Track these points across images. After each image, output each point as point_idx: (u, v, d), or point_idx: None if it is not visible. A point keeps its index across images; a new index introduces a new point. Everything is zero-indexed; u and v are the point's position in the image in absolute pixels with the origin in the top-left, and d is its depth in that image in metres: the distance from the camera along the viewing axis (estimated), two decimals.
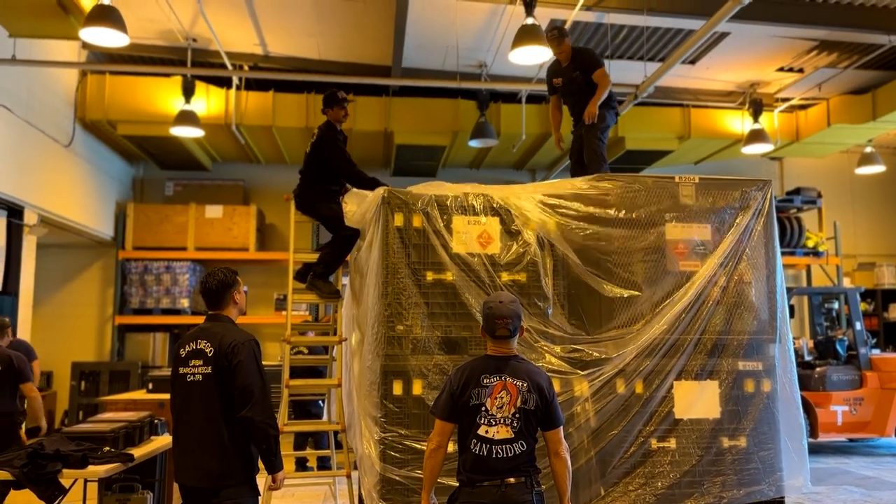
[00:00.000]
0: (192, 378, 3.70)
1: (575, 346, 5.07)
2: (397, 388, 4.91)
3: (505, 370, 3.41)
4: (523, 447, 3.34)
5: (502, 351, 3.49)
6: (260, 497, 3.88)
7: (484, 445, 3.32)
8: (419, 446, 4.79)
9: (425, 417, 4.88)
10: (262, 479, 3.91)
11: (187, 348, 3.78)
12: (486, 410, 3.35)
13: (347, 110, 6.15)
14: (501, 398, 3.35)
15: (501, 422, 3.33)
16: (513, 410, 3.34)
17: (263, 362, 3.89)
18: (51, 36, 8.77)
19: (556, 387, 5.02)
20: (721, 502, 5.02)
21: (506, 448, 3.32)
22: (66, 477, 4.62)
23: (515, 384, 3.38)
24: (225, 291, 3.89)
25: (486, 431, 3.33)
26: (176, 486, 6.52)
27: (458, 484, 3.43)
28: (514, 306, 3.49)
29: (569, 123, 7.06)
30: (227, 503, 3.61)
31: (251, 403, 3.58)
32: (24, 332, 9.06)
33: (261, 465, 3.80)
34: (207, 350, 3.69)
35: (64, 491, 4.66)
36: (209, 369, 3.66)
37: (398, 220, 5.10)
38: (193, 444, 3.65)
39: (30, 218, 9.17)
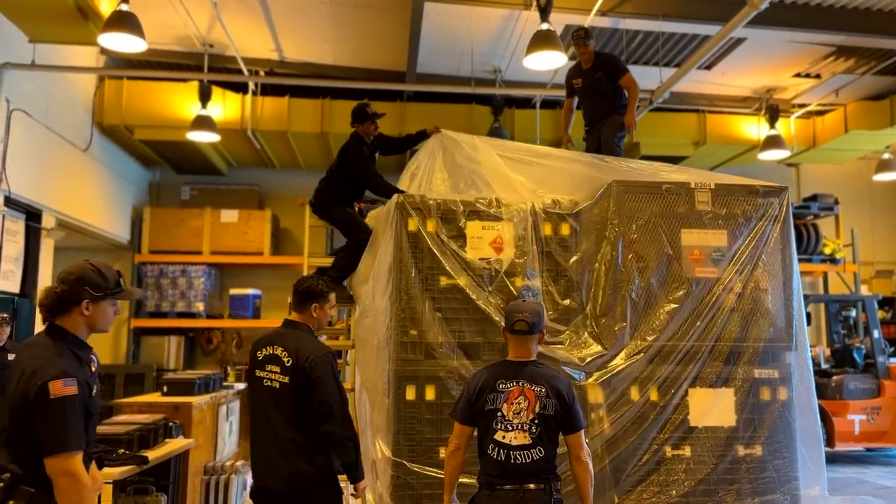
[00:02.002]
0: (268, 383, 3.69)
1: (588, 353, 5.05)
2: (410, 393, 4.91)
3: (522, 375, 3.41)
4: (541, 453, 3.32)
5: (521, 355, 3.50)
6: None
7: (502, 451, 3.32)
8: (432, 451, 4.79)
9: (438, 422, 4.88)
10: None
11: (264, 352, 3.76)
12: (503, 416, 3.36)
13: (377, 124, 6.11)
14: (519, 404, 3.35)
15: (518, 427, 3.33)
16: (531, 416, 3.33)
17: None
18: (70, 41, 8.86)
19: None
20: None
21: (524, 453, 3.30)
22: None
23: (533, 389, 3.37)
24: (307, 300, 3.86)
25: (503, 437, 3.33)
26: (191, 486, 6.56)
27: (477, 485, 3.47)
28: (535, 306, 3.58)
29: (578, 126, 7.08)
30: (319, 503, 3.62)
31: (330, 418, 3.57)
32: None
33: None
34: (285, 359, 3.67)
35: None
36: (286, 379, 3.64)
37: (412, 225, 5.11)
38: (277, 448, 3.63)
39: (47, 221, 9.26)
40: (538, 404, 3.34)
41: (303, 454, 3.60)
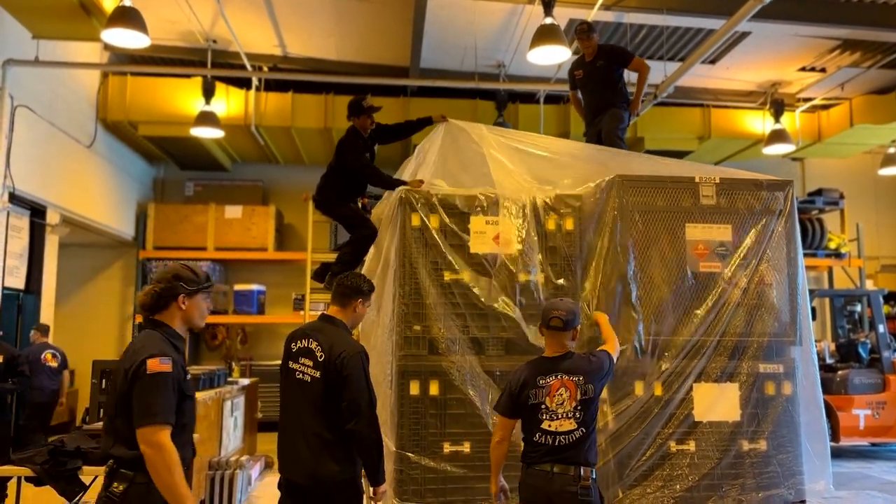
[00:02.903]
0: (300, 376, 3.67)
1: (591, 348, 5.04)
2: (414, 388, 4.91)
3: (560, 369, 3.69)
4: (583, 432, 3.62)
5: (557, 350, 3.76)
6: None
7: (548, 437, 3.62)
8: (435, 446, 4.79)
9: (442, 417, 4.88)
10: None
11: (298, 344, 3.75)
12: (547, 408, 3.64)
13: (373, 118, 6.08)
14: (561, 395, 3.64)
15: (563, 416, 3.62)
16: (574, 404, 3.63)
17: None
18: (73, 37, 8.88)
19: None
20: (731, 499, 4.97)
21: (569, 437, 3.60)
22: (87, 474, 4.66)
23: (573, 380, 3.66)
24: (354, 296, 3.84)
25: (549, 426, 3.62)
26: (196, 482, 6.58)
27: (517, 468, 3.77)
28: (571, 305, 3.83)
29: (579, 123, 7.07)
30: (338, 501, 3.60)
31: (358, 416, 3.54)
32: None
33: None
34: (318, 353, 3.65)
35: (84, 488, 4.70)
36: (318, 374, 3.62)
37: (415, 220, 5.10)
38: (304, 443, 3.61)
39: (52, 218, 9.28)
40: (579, 392, 3.64)
41: (329, 451, 3.57)
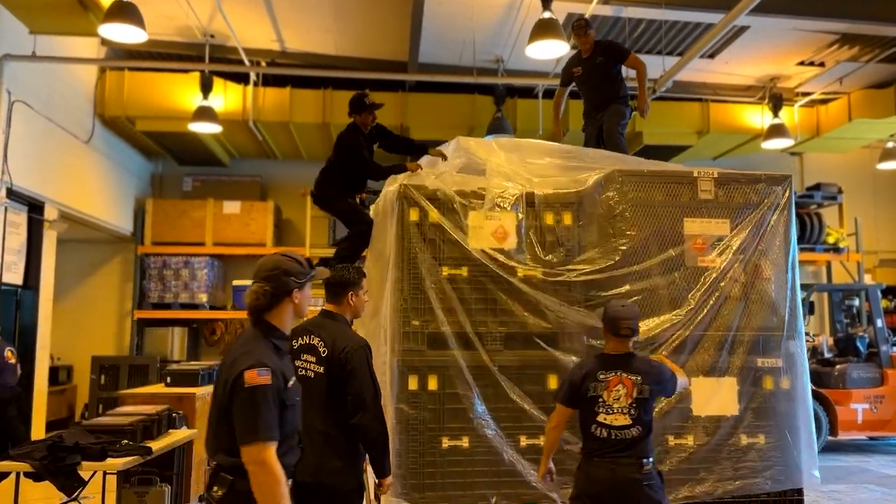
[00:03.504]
0: (303, 372, 3.65)
1: (591, 343, 5.05)
2: (413, 384, 4.91)
3: (620, 366, 3.95)
4: (639, 431, 3.86)
5: (619, 349, 4.02)
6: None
7: (604, 429, 3.87)
8: (434, 441, 4.79)
9: (441, 413, 4.88)
10: None
11: (300, 341, 3.73)
12: (604, 401, 3.89)
13: (375, 115, 6.06)
14: (618, 391, 3.89)
15: (619, 411, 3.87)
16: (630, 401, 3.87)
17: None
18: (70, 32, 8.85)
19: None
20: (715, 491, 4.99)
21: (623, 432, 3.84)
22: (85, 469, 4.67)
23: (631, 378, 3.91)
24: (343, 288, 3.83)
25: (605, 419, 3.87)
26: (195, 477, 6.59)
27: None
28: (635, 310, 4.13)
29: (577, 117, 7.06)
30: (341, 499, 3.60)
31: (363, 410, 3.55)
32: (44, 326, 9.16)
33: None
34: (321, 349, 3.65)
35: (83, 483, 4.71)
36: (321, 369, 3.62)
37: (413, 214, 5.09)
38: (307, 440, 3.57)
39: (50, 213, 9.27)
40: (635, 390, 3.87)
41: (332, 447, 3.57)
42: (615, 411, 3.86)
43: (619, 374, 3.91)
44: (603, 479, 3.81)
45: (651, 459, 3.88)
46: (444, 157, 5.70)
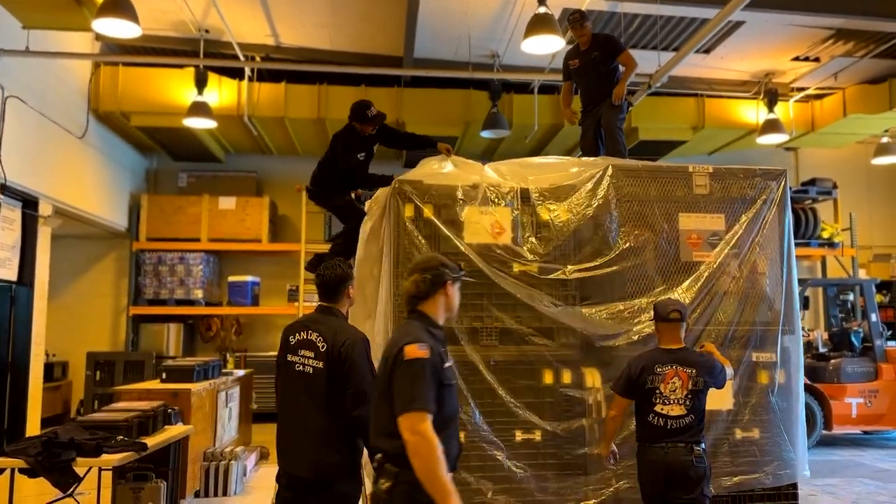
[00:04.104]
0: (301, 368, 3.65)
1: (587, 339, 5.06)
2: None
3: (676, 360, 4.24)
4: (692, 419, 4.18)
5: (673, 344, 4.31)
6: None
7: (660, 419, 4.18)
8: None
9: None
10: None
11: (297, 336, 3.72)
12: (661, 392, 4.20)
13: (375, 126, 5.99)
14: (674, 383, 4.19)
15: (675, 402, 4.17)
16: (685, 392, 4.18)
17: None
18: (64, 27, 8.81)
19: (567, 378, 5.04)
20: (723, 487, 5.01)
21: (678, 421, 4.16)
22: (80, 465, 4.67)
23: (686, 371, 4.21)
24: (341, 285, 3.82)
25: (661, 409, 4.18)
26: (191, 473, 6.59)
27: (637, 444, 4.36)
28: (680, 303, 4.49)
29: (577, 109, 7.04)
30: (339, 495, 3.58)
31: (364, 403, 3.51)
32: (39, 322, 9.13)
33: None
34: (320, 344, 3.63)
35: (78, 479, 4.70)
36: (321, 364, 3.61)
37: (408, 210, 5.09)
38: (304, 436, 3.59)
39: (44, 209, 9.24)
40: (690, 382, 4.18)
41: (330, 443, 3.56)
42: (671, 402, 4.17)
43: (674, 367, 4.21)
44: (658, 463, 4.13)
45: (703, 445, 4.20)
46: (450, 152, 5.70)
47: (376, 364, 3.23)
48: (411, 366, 2.76)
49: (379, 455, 2.85)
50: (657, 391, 4.20)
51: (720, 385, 4.34)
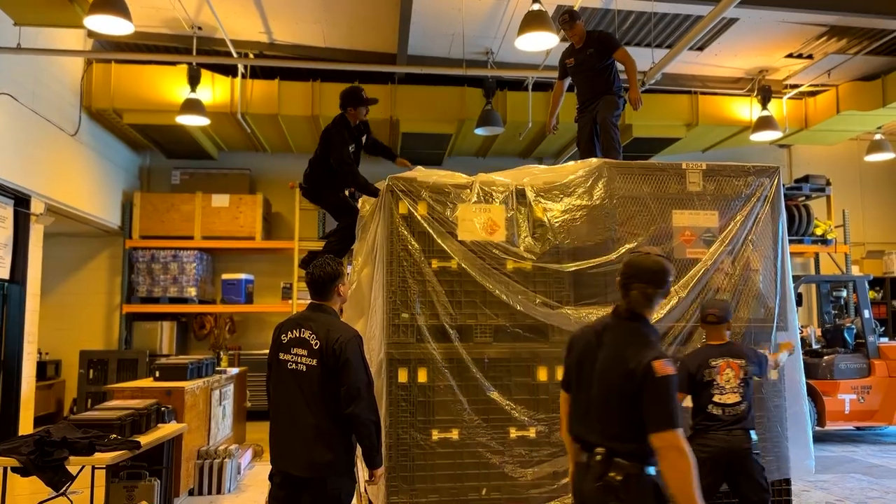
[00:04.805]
0: (293, 366, 3.64)
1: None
2: (402, 376, 4.91)
3: (726, 354, 4.65)
4: (746, 405, 4.59)
5: (718, 339, 4.72)
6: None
7: (718, 408, 4.56)
8: (424, 432, 4.79)
9: (431, 405, 4.89)
10: None
11: (290, 335, 3.71)
12: (717, 384, 4.59)
13: (368, 109, 6.03)
14: (728, 374, 4.59)
15: (730, 391, 4.57)
16: (738, 381, 4.59)
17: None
18: (55, 24, 8.76)
19: (562, 374, 5.02)
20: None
21: (734, 408, 4.55)
22: (73, 464, 4.65)
23: (737, 363, 4.63)
24: (331, 283, 3.79)
25: (719, 398, 4.57)
26: (184, 471, 6.57)
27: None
28: (724, 303, 4.85)
29: (569, 109, 7.03)
30: (332, 493, 3.56)
31: (357, 400, 3.52)
32: (31, 320, 9.10)
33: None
34: (313, 342, 3.62)
35: (71, 478, 4.68)
36: (314, 362, 3.60)
37: (402, 207, 5.09)
38: (298, 434, 3.58)
39: (36, 207, 9.19)
40: (742, 372, 4.61)
41: (324, 441, 3.55)
42: (727, 391, 4.57)
43: (725, 359, 4.62)
44: (719, 448, 4.47)
45: (755, 431, 4.59)
46: (410, 168, 5.65)
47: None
48: (663, 383, 2.85)
49: (602, 450, 2.95)
50: (714, 383, 4.60)
51: (764, 373, 4.86)
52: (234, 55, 10.12)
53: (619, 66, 6.83)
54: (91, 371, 10.91)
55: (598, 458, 2.95)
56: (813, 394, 9.52)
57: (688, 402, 4.69)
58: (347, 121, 5.94)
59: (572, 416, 3.20)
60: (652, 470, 2.88)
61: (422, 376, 4.90)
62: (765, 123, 11.24)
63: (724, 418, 4.54)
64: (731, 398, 4.57)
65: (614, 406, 2.94)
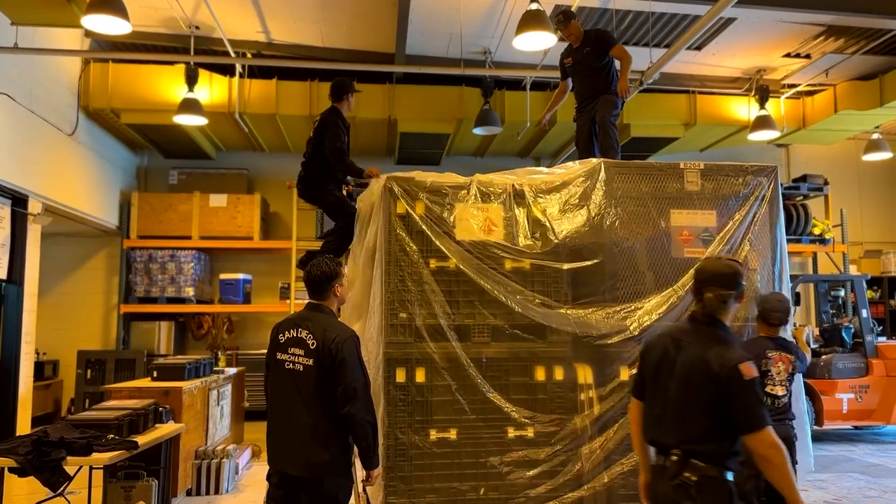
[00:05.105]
0: (290, 366, 3.64)
1: (578, 335, 5.05)
2: (400, 376, 4.91)
3: (779, 347, 4.84)
4: (789, 399, 4.82)
5: (771, 333, 4.87)
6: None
7: (768, 398, 4.72)
8: (422, 432, 4.79)
9: (429, 405, 4.88)
10: None
11: (287, 334, 3.71)
12: (770, 374, 4.76)
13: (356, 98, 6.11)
14: (779, 366, 4.77)
15: (779, 383, 4.76)
16: (786, 375, 4.78)
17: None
18: (53, 24, 8.74)
19: (560, 374, 5.04)
20: None
21: (780, 400, 4.75)
22: (71, 464, 4.64)
23: (788, 357, 4.82)
24: (328, 283, 3.80)
25: (771, 389, 4.75)
26: (182, 471, 6.56)
27: None
28: (786, 305, 4.94)
29: (568, 108, 7.03)
30: (329, 493, 3.56)
31: (353, 400, 3.53)
32: (29, 320, 9.08)
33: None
34: (310, 342, 3.62)
35: (68, 478, 4.67)
36: (311, 361, 3.60)
37: (400, 207, 5.08)
38: (295, 434, 3.58)
39: (34, 207, 9.18)
40: (790, 366, 4.79)
41: (321, 441, 3.55)
42: (777, 383, 4.75)
43: (779, 353, 4.79)
44: None
45: (794, 422, 4.82)
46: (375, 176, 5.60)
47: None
48: (750, 385, 2.93)
49: (678, 451, 3.01)
50: (769, 373, 4.75)
51: (804, 370, 5.08)
52: (232, 55, 10.11)
53: (618, 64, 6.84)
54: (89, 371, 10.89)
55: (675, 458, 3.01)
56: (811, 393, 9.52)
57: None
58: (341, 113, 6.01)
59: (646, 422, 3.24)
60: (730, 475, 2.95)
61: (420, 376, 4.90)
62: (763, 123, 11.24)
63: (772, 409, 4.66)
64: (779, 389, 4.74)
65: (694, 408, 3.00)
